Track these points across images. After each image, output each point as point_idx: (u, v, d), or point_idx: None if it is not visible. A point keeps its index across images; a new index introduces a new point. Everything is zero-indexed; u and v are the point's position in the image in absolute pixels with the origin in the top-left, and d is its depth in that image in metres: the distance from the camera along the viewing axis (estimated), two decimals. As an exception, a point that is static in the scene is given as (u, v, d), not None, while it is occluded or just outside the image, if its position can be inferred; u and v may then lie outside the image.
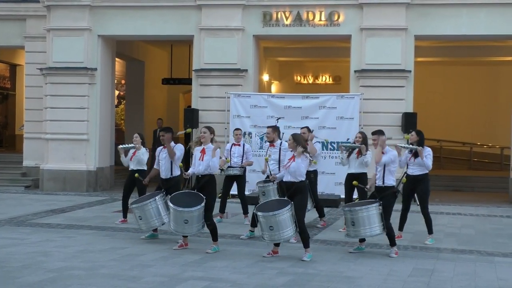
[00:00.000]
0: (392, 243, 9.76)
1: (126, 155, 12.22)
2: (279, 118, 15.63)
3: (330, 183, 16.00)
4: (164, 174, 10.77)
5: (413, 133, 10.94)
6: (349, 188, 11.55)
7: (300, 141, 9.44)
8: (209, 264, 8.80)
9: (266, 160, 11.24)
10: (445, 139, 24.45)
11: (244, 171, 12.58)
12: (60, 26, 18.01)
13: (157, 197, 10.47)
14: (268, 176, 11.19)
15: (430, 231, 10.93)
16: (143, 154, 12.03)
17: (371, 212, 9.52)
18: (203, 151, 9.74)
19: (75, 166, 17.94)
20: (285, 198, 9.33)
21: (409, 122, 16.14)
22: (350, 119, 16.25)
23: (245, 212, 12.57)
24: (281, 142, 11.42)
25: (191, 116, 16.98)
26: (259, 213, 9.20)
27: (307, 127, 12.13)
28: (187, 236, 9.95)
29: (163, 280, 7.83)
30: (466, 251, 10.26)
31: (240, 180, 12.53)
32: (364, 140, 11.34)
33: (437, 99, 24.64)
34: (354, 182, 10.50)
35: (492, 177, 21.38)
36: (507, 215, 14.73)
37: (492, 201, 17.38)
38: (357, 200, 11.20)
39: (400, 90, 16.78)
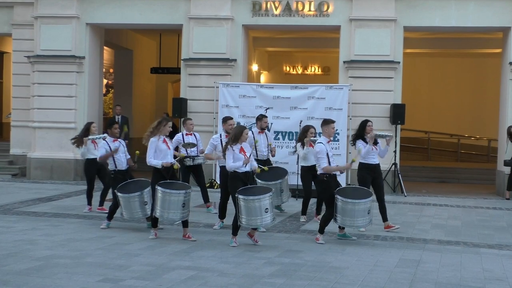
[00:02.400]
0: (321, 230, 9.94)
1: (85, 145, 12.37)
2: (268, 108, 15.64)
3: (318, 174, 16.01)
4: (124, 165, 10.92)
5: (370, 123, 10.94)
6: (308, 179, 11.58)
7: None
8: (196, 254, 8.79)
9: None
10: (433, 131, 24.54)
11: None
12: (48, 14, 17.88)
13: (144, 191, 10.35)
14: None
15: (385, 218, 10.95)
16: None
17: (368, 205, 9.76)
18: (165, 141, 9.97)
19: (63, 155, 17.87)
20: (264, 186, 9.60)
21: (397, 113, 16.19)
22: (339, 109, 16.24)
23: (206, 200, 12.65)
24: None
25: (180, 106, 16.93)
26: (240, 196, 9.27)
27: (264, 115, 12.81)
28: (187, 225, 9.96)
29: (150, 269, 7.82)
30: (453, 242, 10.31)
31: (198, 168, 12.57)
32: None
33: (425, 90, 24.74)
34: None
35: (479, 169, 21.48)
36: (494, 206, 14.80)
37: (479, 192, 17.46)
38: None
39: (388, 81, 16.81)
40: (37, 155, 17.97)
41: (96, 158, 11.83)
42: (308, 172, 11.55)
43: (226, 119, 11.83)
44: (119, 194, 10.41)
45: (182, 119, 13.12)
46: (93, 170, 12.39)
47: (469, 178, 20.51)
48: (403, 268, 8.33)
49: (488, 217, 13.28)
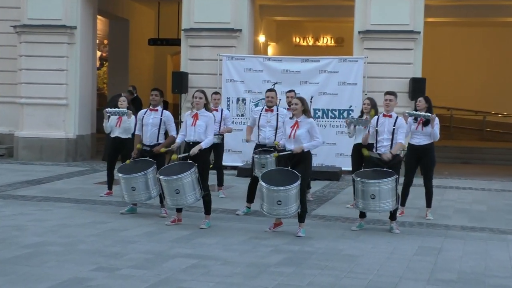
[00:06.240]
0: (394, 217, 9.80)
1: (108, 120, 12.11)
2: (276, 83, 15.58)
3: (331, 154, 15.97)
4: (149, 141, 10.56)
5: (421, 99, 10.86)
6: (357, 159, 11.50)
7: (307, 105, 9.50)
8: (198, 241, 8.80)
9: (276, 144, 10.25)
10: (456, 107, 24.47)
11: (222, 138, 12.54)
12: (36, -20, 17.84)
13: (148, 170, 10.29)
14: (260, 146, 11.01)
15: (429, 204, 10.95)
16: (132, 121, 11.82)
17: (392, 185, 9.46)
18: (195, 116, 9.68)
19: (53, 134, 17.89)
20: (289, 169, 9.26)
21: (417, 88, 16.08)
22: (353, 84, 16.20)
23: (220, 183, 12.62)
24: (277, 108, 11.27)
25: (180, 80, 16.89)
26: (264, 184, 9.11)
27: (293, 91, 12.07)
28: (181, 211, 9.93)
29: (148, 257, 7.83)
30: (477, 228, 10.30)
31: (218, 148, 12.43)
32: (373, 107, 11.29)
33: (448, 63, 24.60)
34: (366, 153, 10.02)
35: (506, 148, 21.45)
36: (522, 190, 14.81)
37: (506, 174, 17.44)
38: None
39: (407, 53, 16.70)
40: (25, 134, 17.98)
41: (114, 136, 12.07)
42: (355, 150, 11.51)
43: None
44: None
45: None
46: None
47: (495, 159, 20.50)
48: (423, 257, 8.33)
49: (515, 201, 13.29)
